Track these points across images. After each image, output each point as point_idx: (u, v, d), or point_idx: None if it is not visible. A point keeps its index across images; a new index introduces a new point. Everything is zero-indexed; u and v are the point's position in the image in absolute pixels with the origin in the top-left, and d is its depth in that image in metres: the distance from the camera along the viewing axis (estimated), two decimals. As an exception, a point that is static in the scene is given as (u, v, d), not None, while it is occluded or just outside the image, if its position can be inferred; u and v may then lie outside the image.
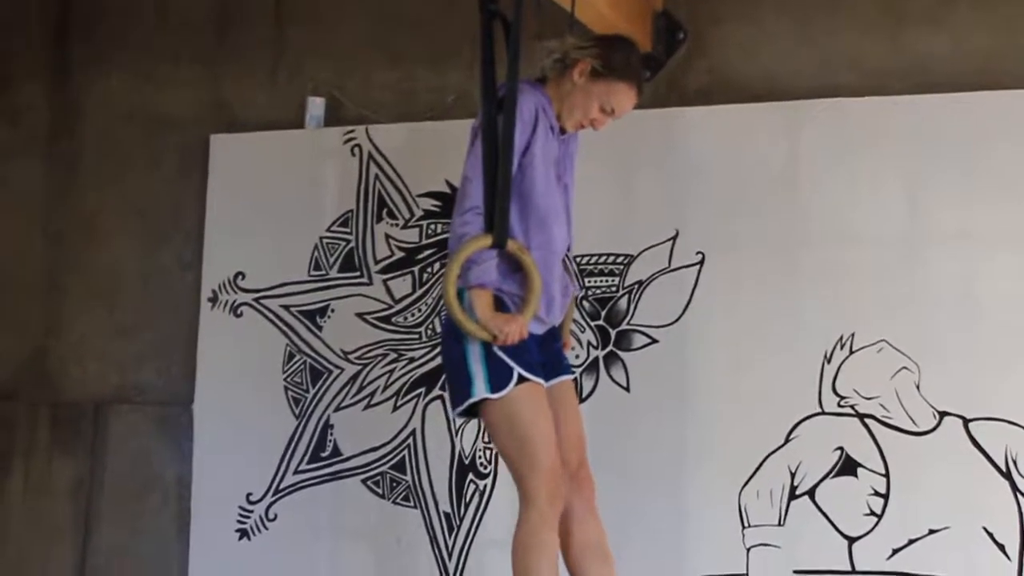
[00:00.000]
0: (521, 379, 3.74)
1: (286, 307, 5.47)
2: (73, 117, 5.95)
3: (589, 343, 5.08)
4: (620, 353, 5.05)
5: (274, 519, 5.37)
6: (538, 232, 3.84)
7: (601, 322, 5.08)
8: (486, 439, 5.14)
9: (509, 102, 3.74)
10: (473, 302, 3.73)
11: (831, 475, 4.81)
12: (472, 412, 3.84)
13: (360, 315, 5.40)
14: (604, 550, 3.94)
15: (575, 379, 4.18)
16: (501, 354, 3.73)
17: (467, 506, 5.18)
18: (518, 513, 3.74)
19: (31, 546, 5.72)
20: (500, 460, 5.05)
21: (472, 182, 3.77)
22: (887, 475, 4.76)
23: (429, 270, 5.34)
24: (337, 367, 5.40)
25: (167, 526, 5.54)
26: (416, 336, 5.32)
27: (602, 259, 5.09)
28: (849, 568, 4.74)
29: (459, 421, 5.13)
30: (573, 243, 4.04)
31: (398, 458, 5.27)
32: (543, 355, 3.90)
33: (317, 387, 5.40)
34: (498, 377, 3.74)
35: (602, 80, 3.89)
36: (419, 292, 5.35)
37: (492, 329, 3.70)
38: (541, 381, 3.82)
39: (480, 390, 3.75)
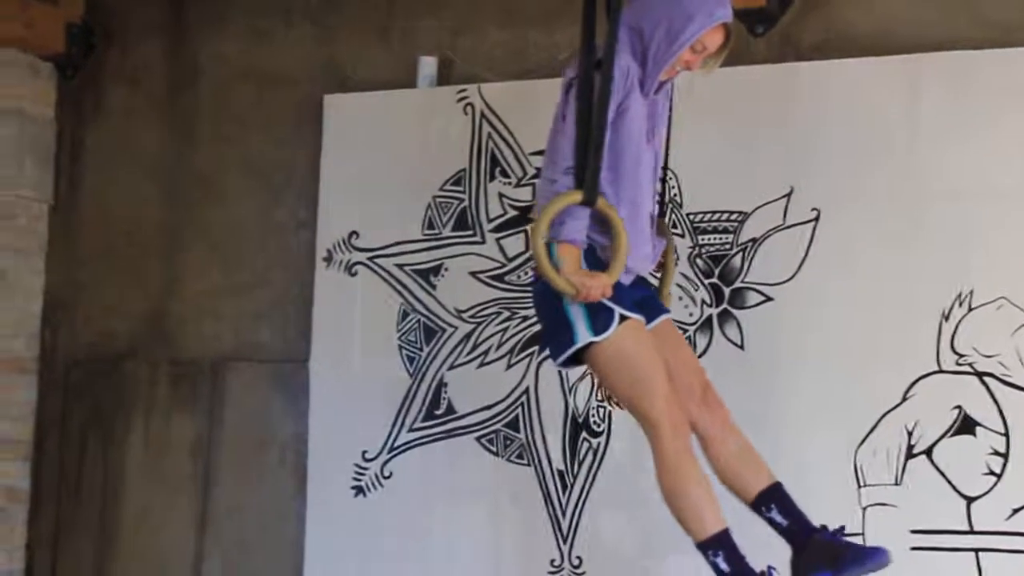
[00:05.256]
0: (623, 318, 3.75)
1: (400, 266, 5.50)
2: (190, 76, 6.01)
3: (703, 301, 5.05)
4: (734, 311, 5.01)
5: (389, 476, 5.42)
6: (628, 188, 3.84)
7: (715, 280, 5.04)
8: (599, 398, 5.14)
9: (607, 59, 3.72)
10: (560, 258, 3.73)
11: (949, 434, 4.75)
12: (574, 360, 3.84)
13: (473, 274, 5.41)
14: (750, 456, 3.92)
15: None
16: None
17: (580, 464, 5.18)
18: (652, 454, 3.76)
19: (152, 502, 5.82)
20: (613, 418, 5.08)
21: (565, 138, 3.76)
22: (1007, 434, 4.69)
23: (542, 228, 5.34)
24: (451, 325, 5.42)
25: (284, 483, 5.61)
26: (529, 295, 5.32)
27: (716, 216, 5.04)
28: (967, 528, 4.69)
29: (563, 371, 5.10)
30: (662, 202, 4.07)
31: (512, 416, 5.29)
32: (637, 299, 3.90)
33: (431, 345, 5.42)
34: (600, 320, 3.74)
35: None
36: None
37: (576, 284, 3.70)
38: (642, 319, 3.82)
39: (583, 335, 3.76)
